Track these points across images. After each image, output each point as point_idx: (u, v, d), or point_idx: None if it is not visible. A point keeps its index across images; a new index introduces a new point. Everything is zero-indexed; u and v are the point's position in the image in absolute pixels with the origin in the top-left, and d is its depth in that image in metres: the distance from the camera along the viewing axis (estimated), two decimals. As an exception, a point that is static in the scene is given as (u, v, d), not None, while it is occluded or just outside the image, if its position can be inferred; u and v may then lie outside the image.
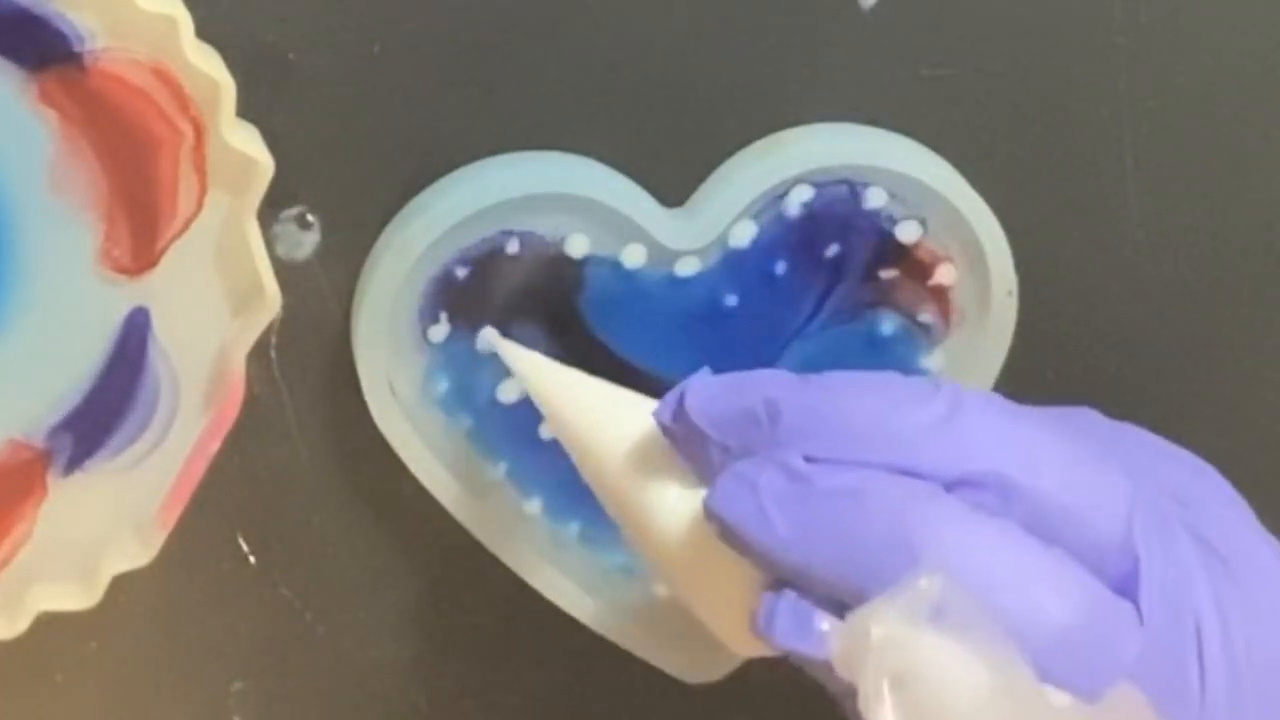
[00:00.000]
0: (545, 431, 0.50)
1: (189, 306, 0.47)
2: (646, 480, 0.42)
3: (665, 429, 0.42)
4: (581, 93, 0.48)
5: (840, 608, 0.39)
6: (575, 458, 0.44)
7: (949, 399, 0.40)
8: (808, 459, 0.40)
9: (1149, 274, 0.52)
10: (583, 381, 0.44)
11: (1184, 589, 0.40)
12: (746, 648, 0.42)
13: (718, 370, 0.50)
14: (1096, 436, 0.43)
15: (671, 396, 0.42)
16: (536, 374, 0.45)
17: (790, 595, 0.39)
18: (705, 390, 0.41)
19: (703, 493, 0.41)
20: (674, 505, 0.42)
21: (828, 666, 0.39)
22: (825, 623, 0.39)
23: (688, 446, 0.41)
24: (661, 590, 0.52)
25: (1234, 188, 0.51)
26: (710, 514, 0.40)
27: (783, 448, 0.40)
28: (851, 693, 0.38)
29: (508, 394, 0.50)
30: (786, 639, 0.39)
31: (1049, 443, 0.40)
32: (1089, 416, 0.45)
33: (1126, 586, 0.39)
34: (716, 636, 0.42)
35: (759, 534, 0.39)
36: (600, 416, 0.43)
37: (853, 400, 0.40)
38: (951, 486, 0.39)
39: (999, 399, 0.41)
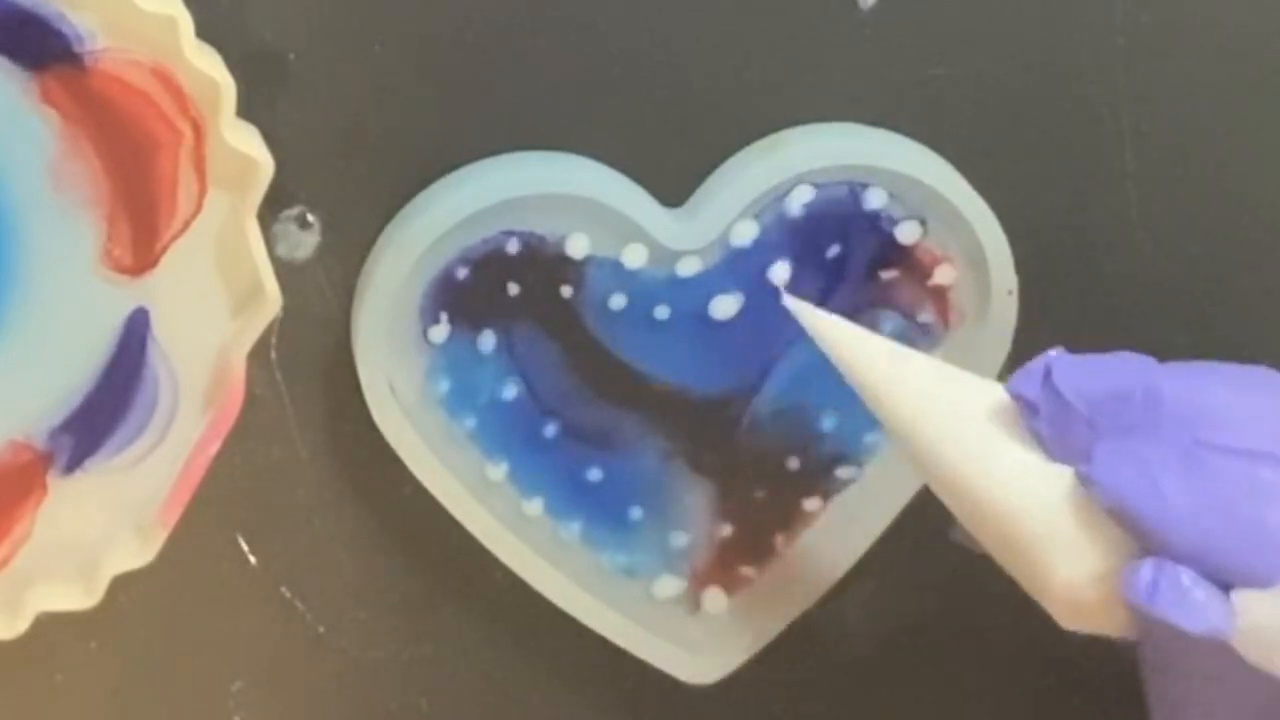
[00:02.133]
0: (547, 431, 0.50)
1: (189, 306, 0.47)
2: (989, 446, 0.43)
3: (1023, 400, 0.43)
4: (581, 93, 0.48)
5: (1218, 581, 0.40)
6: (891, 420, 0.45)
7: None
8: (1196, 442, 0.41)
9: (1149, 273, 0.52)
10: (898, 349, 0.45)
11: None
12: (1077, 618, 0.43)
13: (718, 370, 0.50)
14: None
15: (1035, 369, 0.43)
16: (845, 341, 0.46)
17: (1174, 567, 0.40)
18: (1074, 367, 0.42)
19: (1054, 464, 0.42)
20: (1021, 471, 0.42)
21: (1195, 640, 0.40)
22: (1219, 600, 0.40)
23: (1050, 418, 0.42)
24: (661, 590, 0.52)
25: (1234, 187, 0.51)
26: (1094, 482, 0.41)
27: (1167, 430, 0.41)
28: (1195, 669, 0.40)
29: (509, 393, 0.50)
30: (1166, 608, 0.40)
31: None
32: None
33: None
34: (1044, 603, 0.43)
35: (1149, 505, 0.41)
36: (929, 383, 0.44)
37: (1236, 391, 0.42)
38: None
39: None
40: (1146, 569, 0.41)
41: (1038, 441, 0.43)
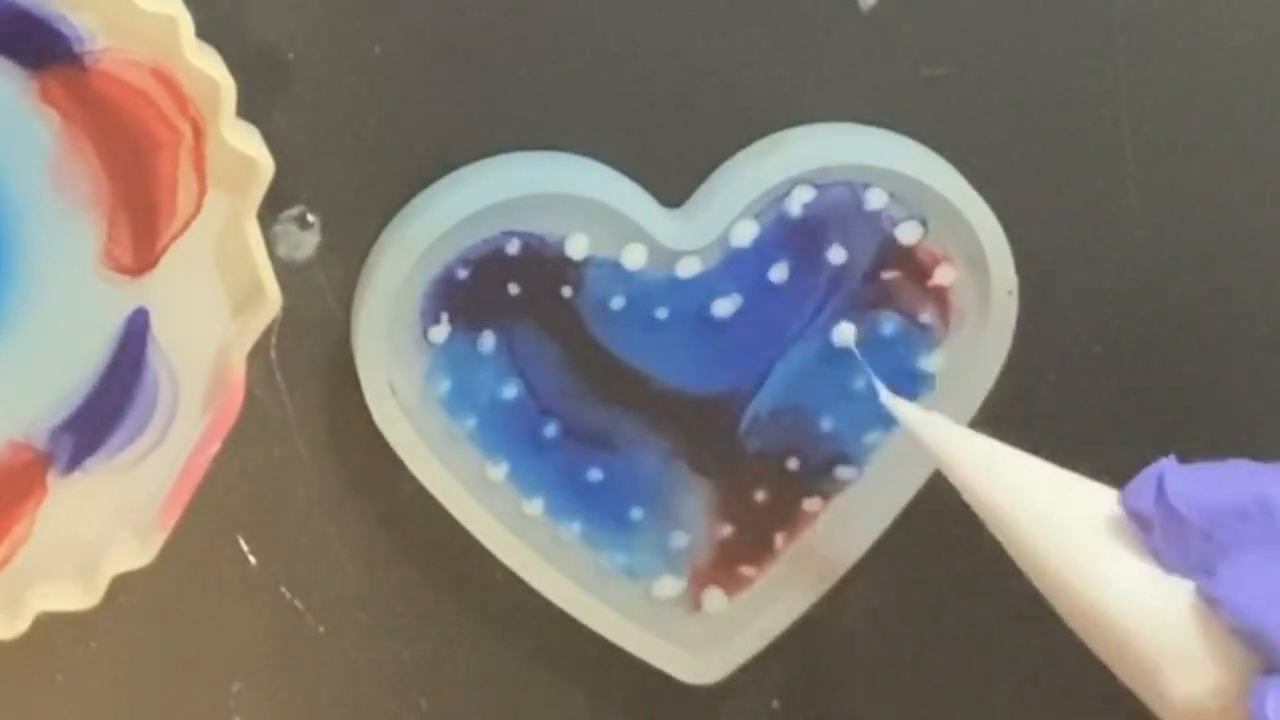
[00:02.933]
0: (547, 432, 0.50)
1: (189, 306, 0.47)
2: (1104, 559, 0.42)
3: (1137, 514, 0.42)
4: (581, 93, 0.48)
5: None
6: (1001, 529, 0.44)
7: None
8: None
9: (1149, 273, 0.52)
10: (1009, 454, 0.45)
11: None
12: None
13: (718, 371, 0.50)
14: None
15: (1146, 483, 0.42)
16: (952, 445, 0.45)
17: None
18: (1186, 479, 0.42)
19: (1175, 579, 0.42)
20: (1138, 585, 0.42)
21: None
22: None
23: (1164, 532, 0.42)
24: (662, 590, 0.52)
25: (1234, 187, 0.51)
26: (1218, 601, 0.41)
27: None
28: None
29: (509, 393, 0.50)
30: None
31: None
32: None
33: None
34: (1161, 715, 0.42)
35: (1274, 624, 0.40)
36: (1041, 493, 0.44)
37: None
38: None
39: None
40: (1274, 689, 0.40)
41: (1152, 554, 0.42)
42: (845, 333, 0.50)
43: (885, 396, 0.48)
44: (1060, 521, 0.43)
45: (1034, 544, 0.43)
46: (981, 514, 0.45)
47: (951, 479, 0.45)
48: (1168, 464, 0.43)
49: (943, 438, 0.46)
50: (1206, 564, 0.41)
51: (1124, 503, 0.43)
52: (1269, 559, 0.41)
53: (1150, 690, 0.42)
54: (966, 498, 0.45)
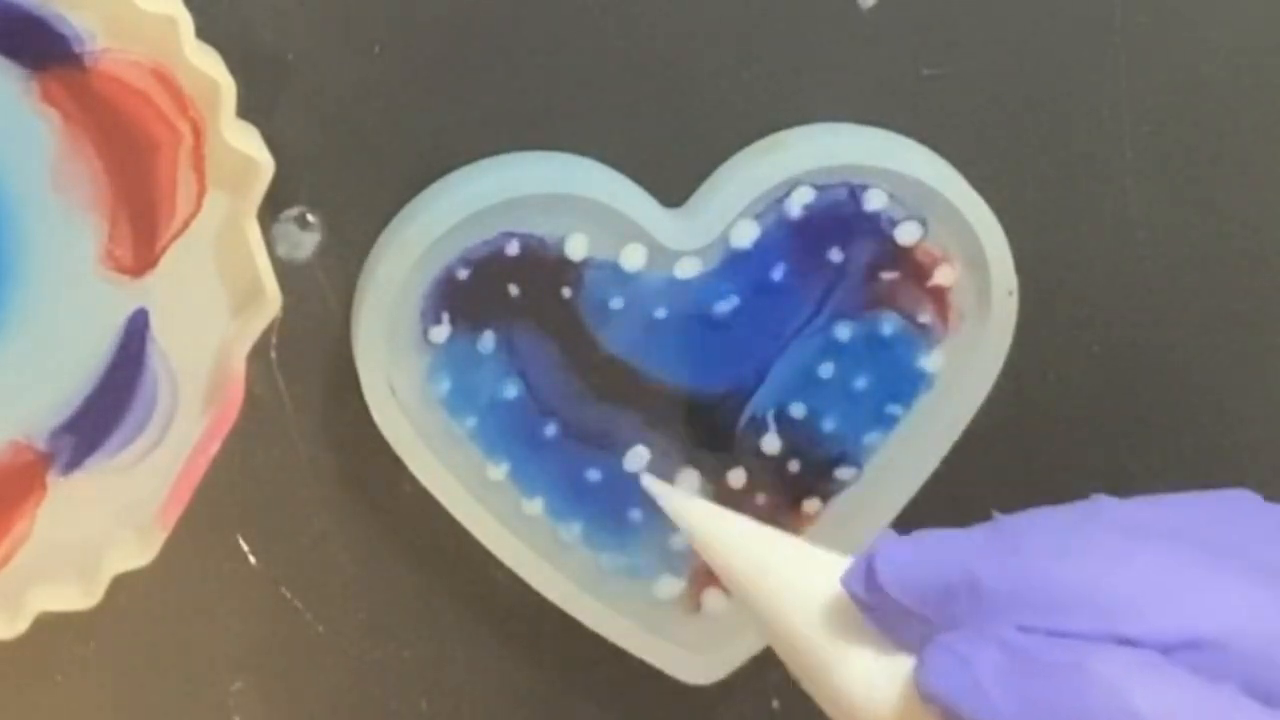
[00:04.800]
0: (547, 432, 0.50)
1: (189, 307, 0.47)
2: (835, 644, 0.41)
3: (856, 598, 0.41)
4: (581, 93, 0.48)
5: None
6: (751, 612, 0.43)
7: (1151, 556, 0.39)
8: (1020, 629, 0.39)
9: (1149, 273, 0.52)
10: (755, 533, 0.43)
11: None
12: None
13: (718, 371, 0.50)
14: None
15: (860, 566, 0.41)
16: (702, 524, 0.44)
17: None
18: (897, 560, 0.41)
19: (900, 659, 0.40)
20: (869, 672, 0.41)
21: None
22: None
23: (882, 614, 0.41)
24: (662, 590, 0.52)
25: (1234, 187, 0.51)
26: (924, 691, 0.40)
27: (990, 620, 0.39)
28: None
29: (509, 393, 0.50)
30: None
31: (1262, 597, 0.39)
32: (1248, 503, 0.44)
33: None
34: None
35: (978, 711, 0.39)
36: (778, 576, 0.42)
37: (1056, 569, 0.39)
38: (1169, 651, 0.39)
39: (1189, 540, 0.40)
40: None
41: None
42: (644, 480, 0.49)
43: (646, 480, 0.46)
44: (800, 606, 0.42)
45: (778, 630, 0.42)
46: (735, 595, 0.43)
47: (706, 559, 0.44)
48: (882, 541, 0.41)
49: (695, 518, 0.44)
50: (921, 645, 0.40)
51: (843, 584, 0.41)
52: (973, 638, 0.39)
53: None
54: (720, 578, 0.44)
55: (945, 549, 0.41)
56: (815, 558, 0.43)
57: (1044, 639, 0.39)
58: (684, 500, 0.44)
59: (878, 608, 0.41)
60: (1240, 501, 0.43)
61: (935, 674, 0.39)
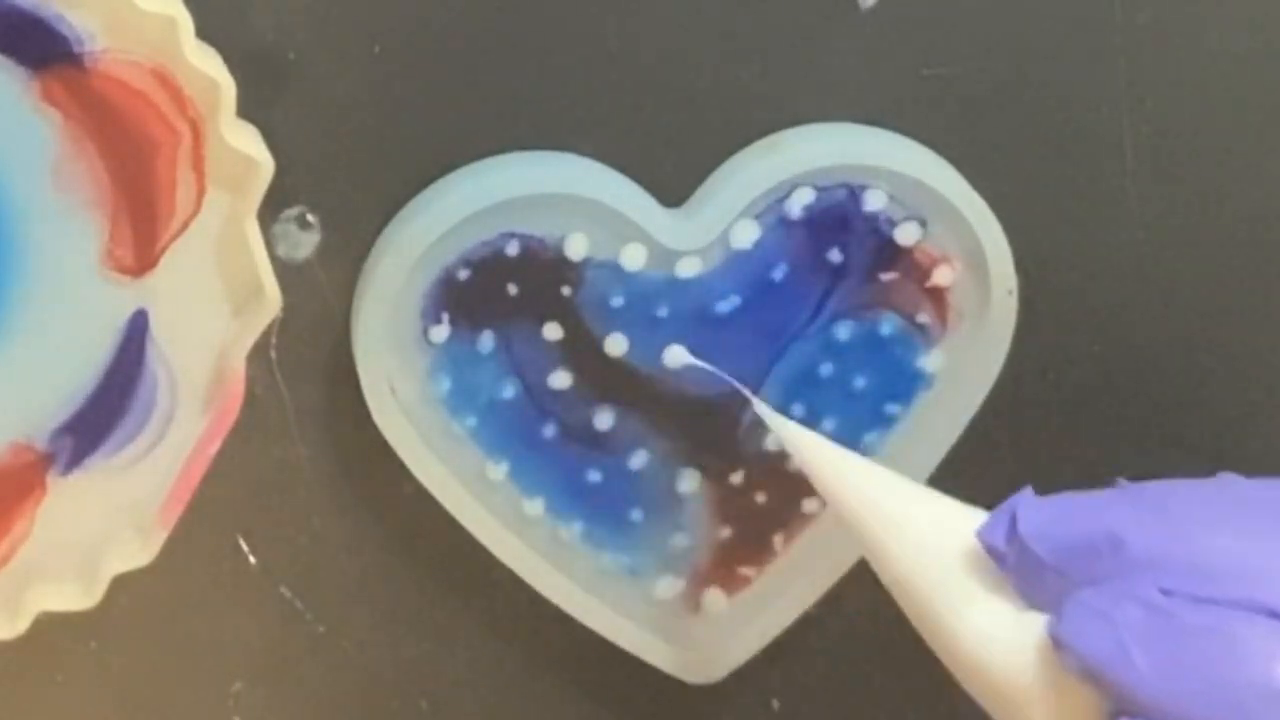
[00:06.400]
0: (547, 432, 0.50)
1: (189, 307, 0.47)
2: (961, 594, 0.42)
3: (992, 551, 0.42)
4: (581, 93, 0.48)
5: None
6: (872, 557, 0.43)
7: None
8: (1162, 592, 0.39)
9: (1149, 273, 0.52)
10: (881, 477, 0.44)
11: None
12: None
13: (714, 368, 0.50)
14: None
15: (1000, 518, 0.41)
16: (827, 465, 0.45)
17: None
18: (1039, 515, 0.41)
19: (1027, 615, 0.41)
20: (993, 623, 0.41)
21: None
22: None
23: (1017, 568, 0.41)
24: (662, 590, 0.52)
25: (1234, 187, 0.51)
26: (1061, 644, 0.40)
27: (1132, 579, 0.40)
28: None
29: (509, 393, 0.50)
30: None
31: None
32: None
33: None
34: None
35: (1116, 667, 0.39)
36: (907, 523, 0.43)
37: (1204, 535, 0.40)
38: None
39: None
40: None
41: (1012, 589, 0.42)
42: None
43: (760, 407, 0.47)
44: (925, 558, 0.42)
45: (901, 578, 0.43)
46: (857, 540, 0.44)
47: (826, 499, 0.45)
48: (1022, 498, 0.42)
49: (819, 456, 0.45)
50: (1059, 601, 0.40)
51: (980, 537, 0.42)
52: (1116, 598, 0.40)
53: None
54: (838, 516, 0.44)
55: (1089, 507, 0.41)
56: (945, 507, 0.43)
57: (1189, 602, 0.39)
58: (800, 433, 0.45)
59: (1014, 561, 0.41)
60: None
61: (1075, 630, 0.40)
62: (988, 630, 0.41)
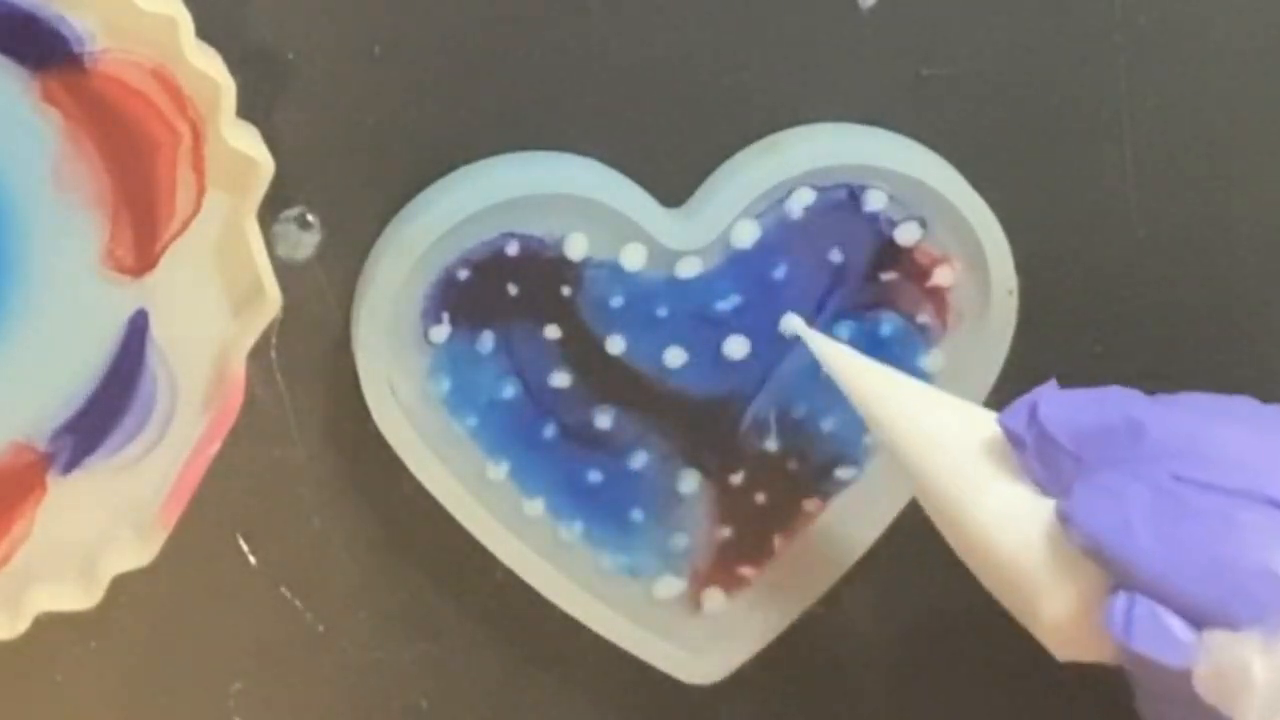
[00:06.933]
0: (547, 432, 0.50)
1: (189, 307, 0.47)
2: (981, 480, 0.44)
3: (1012, 435, 0.43)
4: (581, 93, 0.49)
5: (1190, 619, 0.40)
6: (897, 454, 0.45)
7: None
8: (1175, 477, 0.41)
9: (1149, 273, 0.52)
10: (905, 382, 0.47)
11: None
12: (1068, 649, 0.43)
13: (718, 371, 0.50)
14: None
15: (1022, 404, 0.43)
16: (853, 370, 0.47)
17: (1148, 602, 0.41)
18: (1060, 401, 0.43)
19: (1042, 500, 0.43)
20: (1011, 506, 0.43)
21: (1175, 673, 0.40)
22: (1192, 636, 0.40)
23: (1037, 453, 0.43)
24: (662, 590, 0.52)
25: (1234, 187, 0.51)
26: (1069, 519, 0.42)
27: (1146, 465, 0.41)
28: (1179, 698, 0.40)
29: (509, 393, 0.50)
30: (1142, 642, 0.41)
31: None
32: None
33: None
34: (1038, 635, 0.43)
35: (1121, 543, 0.41)
36: (929, 417, 0.45)
37: (1220, 426, 0.42)
38: None
39: None
40: (1120, 603, 0.41)
41: (1028, 476, 0.43)
42: (791, 323, 0.50)
43: (790, 319, 0.49)
44: (943, 443, 0.44)
45: (919, 466, 0.44)
46: (879, 438, 0.46)
47: (851, 402, 0.47)
48: (1045, 387, 0.43)
49: (843, 362, 0.47)
50: (1072, 484, 0.42)
51: (1000, 422, 0.44)
52: (1126, 479, 0.41)
53: (1023, 613, 0.44)
54: (866, 422, 0.47)
55: (1109, 395, 0.43)
56: (968, 407, 0.46)
57: (1197, 488, 0.41)
58: (832, 346, 0.47)
59: (1032, 445, 0.43)
60: None
61: (1084, 507, 0.41)
62: (1002, 512, 0.43)
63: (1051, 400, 0.43)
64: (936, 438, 0.45)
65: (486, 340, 0.49)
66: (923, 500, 0.45)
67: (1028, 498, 0.43)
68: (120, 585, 0.49)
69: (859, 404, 0.47)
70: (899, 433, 0.45)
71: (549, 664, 0.54)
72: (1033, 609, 0.43)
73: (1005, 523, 0.43)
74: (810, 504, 0.52)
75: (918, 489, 0.45)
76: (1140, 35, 0.49)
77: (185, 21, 0.44)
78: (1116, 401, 0.43)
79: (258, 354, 0.49)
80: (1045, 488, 0.43)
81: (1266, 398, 0.53)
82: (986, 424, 0.44)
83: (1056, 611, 0.42)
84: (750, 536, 0.52)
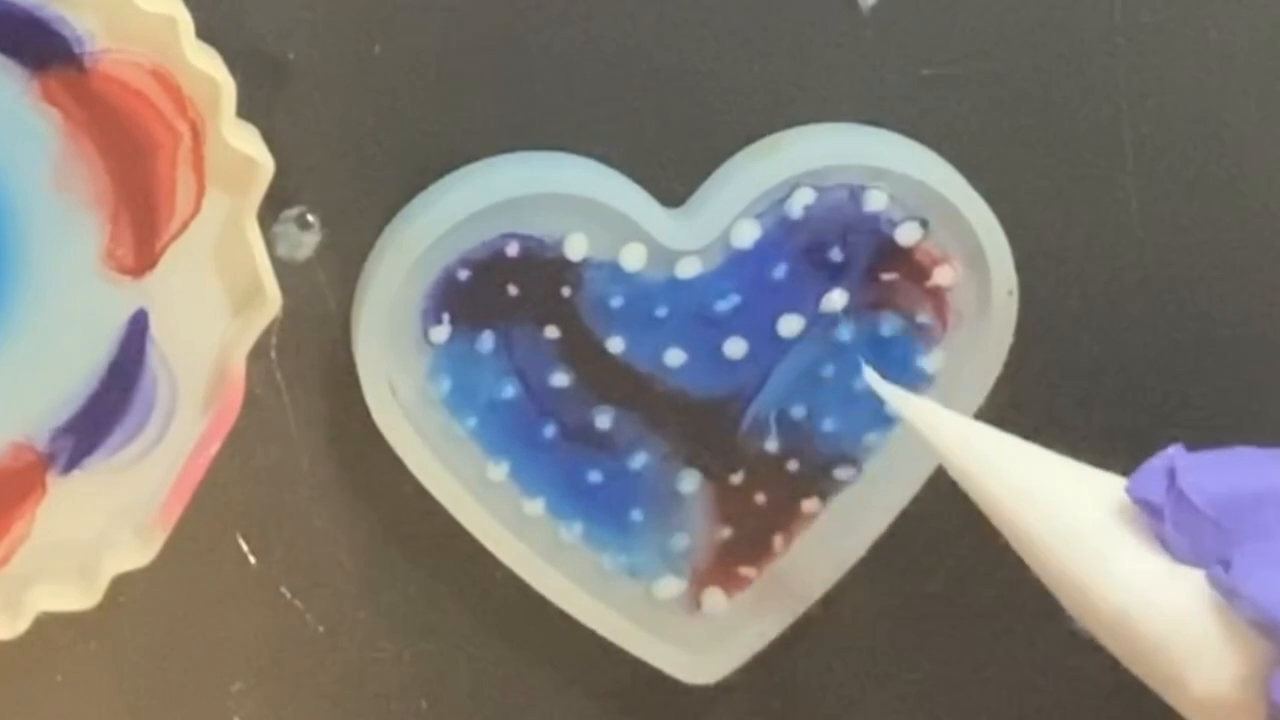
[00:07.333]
0: (547, 432, 0.50)
1: (189, 307, 0.47)
2: (1110, 549, 0.42)
3: (1146, 504, 0.42)
4: (581, 93, 0.49)
5: None
6: (1003, 522, 0.44)
7: None
8: None
9: (1149, 273, 0.52)
10: (1008, 441, 0.44)
11: None
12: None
13: (718, 372, 0.50)
14: None
15: (1155, 472, 0.42)
16: (952, 436, 0.45)
17: None
18: (1199, 469, 0.42)
19: (1181, 568, 0.41)
20: (1148, 576, 0.42)
21: None
22: None
23: (1175, 521, 0.42)
24: (662, 590, 0.52)
25: (1234, 186, 0.51)
26: (1233, 591, 0.40)
27: None
28: None
29: (509, 394, 0.50)
30: None
31: None
32: None
33: None
34: (1180, 707, 0.42)
35: None
36: (1046, 484, 0.43)
37: None
38: None
39: None
40: None
41: (1161, 544, 0.42)
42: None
43: (880, 385, 0.48)
44: (1066, 516, 0.43)
45: (1040, 540, 0.43)
46: (984, 508, 0.44)
47: (951, 471, 0.45)
48: (1177, 452, 0.42)
49: (941, 428, 0.45)
50: (1219, 554, 0.41)
51: (1134, 493, 0.42)
52: None
53: (1169, 685, 0.42)
54: (967, 491, 0.44)
55: (1250, 462, 0.42)
56: (1078, 468, 0.44)
57: None
58: (919, 404, 0.46)
59: (1170, 514, 0.41)
60: None
61: (1251, 578, 0.40)
62: (1138, 584, 0.42)
63: (1189, 468, 0.42)
64: (1057, 510, 0.43)
65: (486, 340, 0.49)
66: (1043, 575, 0.43)
67: (1165, 567, 0.42)
68: (120, 585, 0.49)
69: (959, 473, 0.44)
70: (1012, 506, 0.43)
71: (549, 664, 0.54)
72: (1180, 681, 0.41)
73: (1144, 594, 0.41)
74: (810, 504, 0.52)
75: (1037, 563, 0.43)
76: (1141, 36, 0.49)
77: (185, 21, 0.44)
78: (1256, 466, 0.42)
79: (258, 354, 0.49)
80: (1184, 558, 0.42)
81: (1266, 399, 0.53)
82: (1106, 491, 0.43)
83: (1210, 684, 0.41)
84: (750, 536, 0.52)
